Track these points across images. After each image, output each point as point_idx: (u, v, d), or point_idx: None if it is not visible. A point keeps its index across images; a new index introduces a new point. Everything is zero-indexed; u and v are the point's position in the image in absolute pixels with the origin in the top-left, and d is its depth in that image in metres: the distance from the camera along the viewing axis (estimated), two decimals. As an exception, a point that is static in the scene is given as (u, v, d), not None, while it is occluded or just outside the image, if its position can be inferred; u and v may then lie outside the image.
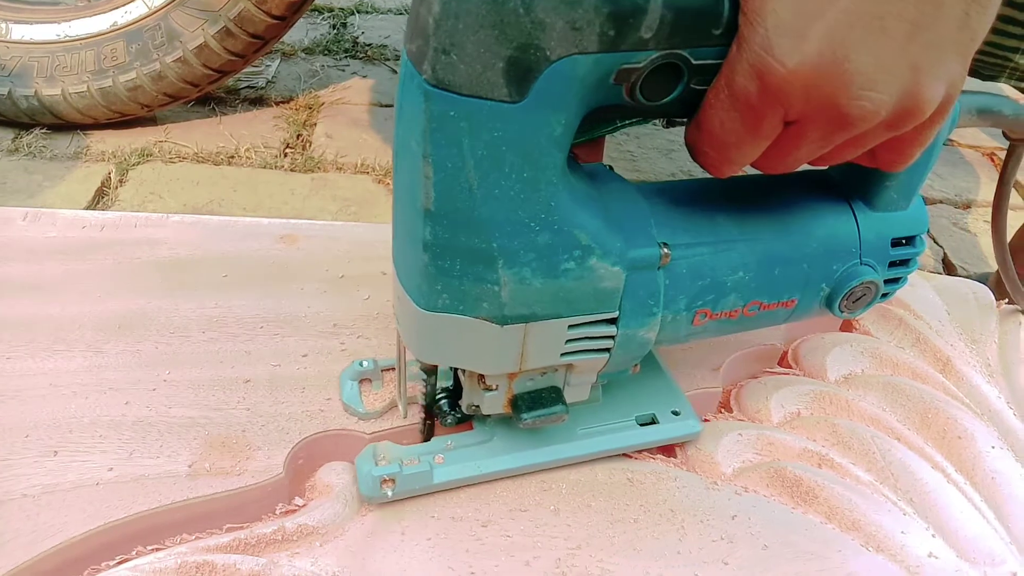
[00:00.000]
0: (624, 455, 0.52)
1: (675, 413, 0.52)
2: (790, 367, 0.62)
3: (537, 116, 0.33)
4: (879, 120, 0.34)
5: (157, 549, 0.44)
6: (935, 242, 1.14)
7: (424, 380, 0.47)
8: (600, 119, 0.39)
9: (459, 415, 0.50)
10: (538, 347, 0.41)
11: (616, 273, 0.40)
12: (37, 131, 1.16)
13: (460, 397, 0.48)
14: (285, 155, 1.17)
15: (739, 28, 0.34)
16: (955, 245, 1.14)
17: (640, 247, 0.41)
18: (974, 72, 0.70)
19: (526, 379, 0.45)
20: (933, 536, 0.49)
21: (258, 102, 1.31)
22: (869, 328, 0.65)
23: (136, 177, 1.10)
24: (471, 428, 0.51)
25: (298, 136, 1.22)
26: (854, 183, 0.48)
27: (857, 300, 0.48)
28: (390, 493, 0.46)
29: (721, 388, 0.57)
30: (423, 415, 0.50)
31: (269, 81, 1.37)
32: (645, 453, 0.53)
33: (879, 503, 0.51)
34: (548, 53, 0.32)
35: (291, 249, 0.64)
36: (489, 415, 0.47)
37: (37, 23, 1.13)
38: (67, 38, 1.12)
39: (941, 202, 1.24)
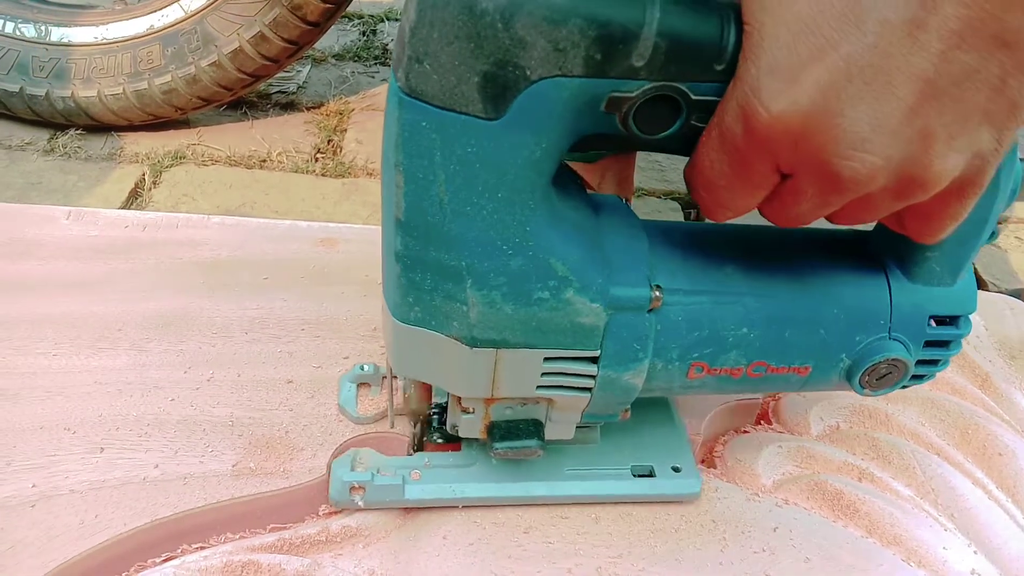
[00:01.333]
0: (664, 464, 0.52)
1: (675, 469, 0.49)
2: (828, 380, 0.61)
3: (515, 136, 0.32)
4: (877, 185, 0.31)
5: (201, 547, 0.45)
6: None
7: (417, 394, 0.47)
8: (597, 146, 0.37)
9: (445, 434, 0.49)
10: (510, 375, 0.40)
11: (595, 310, 0.38)
12: (72, 132, 1.17)
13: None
14: (316, 160, 1.18)
15: (738, 63, 0.31)
16: (986, 261, 1.14)
17: (628, 286, 0.38)
18: None
19: (504, 407, 0.43)
20: (975, 553, 0.49)
21: (289, 107, 1.32)
22: (907, 342, 0.65)
23: (169, 179, 1.11)
24: (459, 449, 0.49)
25: (329, 141, 1.23)
26: (892, 249, 0.43)
27: (881, 378, 0.44)
28: (359, 502, 0.45)
29: (760, 398, 0.57)
30: (413, 428, 0.49)
31: (300, 86, 1.38)
32: (685, 463, 0.53)
33: (920, 518, 0.50)
34: (528, 72, 0.30)
35: (331, 252, 0.64)
36: (476, 439, 0.46)
37: (75, 26, 1.14)
38: (104, 41, 1.14)
39: (972, 218, 1.23)
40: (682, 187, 1.20)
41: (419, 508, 0.47)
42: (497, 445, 0.43)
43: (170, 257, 0.62)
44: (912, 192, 0.31)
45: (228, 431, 0.49)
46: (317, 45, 1.47)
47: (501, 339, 0.38)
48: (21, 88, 1.13)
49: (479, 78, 0.30)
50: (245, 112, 1.28)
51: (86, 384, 0.51)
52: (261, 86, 1.25)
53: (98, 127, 1.18)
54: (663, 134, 0.35)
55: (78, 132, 1.17)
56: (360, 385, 0.52)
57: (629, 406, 0.45)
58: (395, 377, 0.50)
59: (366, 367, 0.53)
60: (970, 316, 0.44)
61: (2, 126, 1.18)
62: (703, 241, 0.42)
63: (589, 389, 0.41)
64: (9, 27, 1.14)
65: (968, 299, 0.44)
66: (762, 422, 0.57)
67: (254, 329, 0.56)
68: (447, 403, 0.47)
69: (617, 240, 0.39)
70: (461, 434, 0.45)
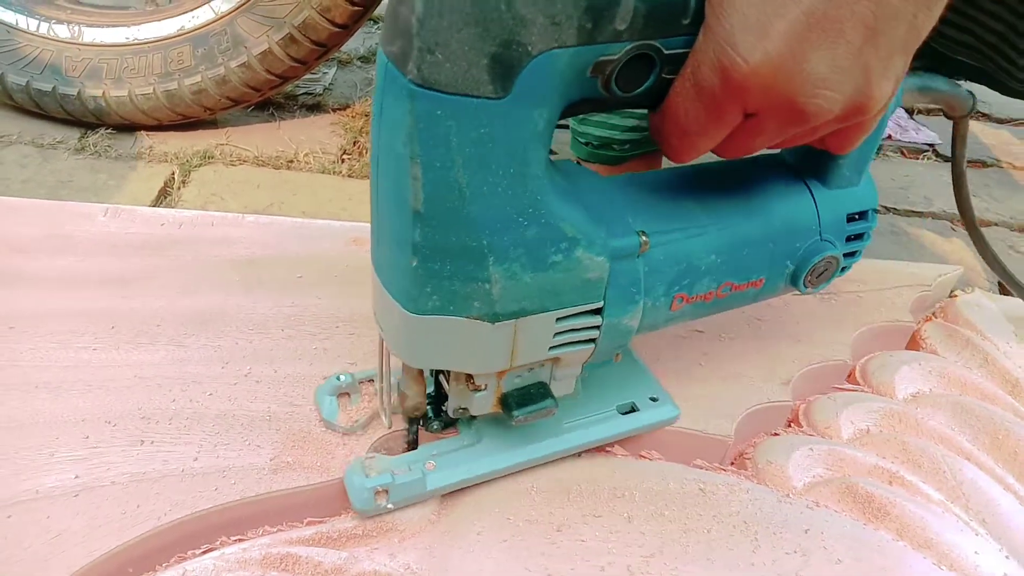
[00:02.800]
0: (695, 465, 0.52)
1: (653, 399, 0.53)
2: (857, 384, 0.61)
3: (521, 111, 0.33)
4: (832, 116, 0.36)
5: (240, 540, 0.45)
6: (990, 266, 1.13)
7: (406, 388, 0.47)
8: (577, 111, 0.39)
9: (444, 420, 0.49)
10: (528, 342, 0.41)
11: (601, 263, 0.40)
12: (102, 131, 1.19)
13: (443, 402, 0.48)
14: (343, 161, 1.19)
15: (706, 17, 0.35)
16: (1013, 268, 1.13)
17: (621, 236, 0.41)
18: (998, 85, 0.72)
19: (514, 376, 0.45)
20: (1007, 558, 0.49)
21: (315, 108, 1.33)
22: (937, 347, 0.65)
23: (198, 178, 1.12)
24: (456, 433, 0.50)
25: (355, 143, 1.23)
26: (808, 164, 0.50)
27: (820, 275, 0.50)
28: (387, 504, 0.46)
29: (792, 402, 0.57)
30: (408, 424, 0.49)
31: (326, 88, 1.39)
32: (716, 465, 0.53)
33: (951, 522, 0.51)
34: (530, 48, 0.32)
35: (362, 251, 0.65)
36: (474, 417, 0.48)
37: (107, 26, 1.16)
38: (135, 41, 1.15)
39: (997, 224, 1.23)
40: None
41: (452, 504, 0.48)
42: (516, 413, 0.44)
43: (206, 254, 0.63)
44: (855, 117, 0.37)
45: (266, 425, 0.49)
46: (343, 48, 1.48)
47: (520, 309, 0.39)
48: (54, 87, 1.15)
49: (488, 60, 0.32)
50: (272, 113, 1.30)
51: (126, 378, 0.52)
52: (288, 87, 1.26)
53: (127, 126, 1.19)
54: (638, 91, 0.37)
55: (108, 131, 1.19)
56: (340, 396, 0.51)
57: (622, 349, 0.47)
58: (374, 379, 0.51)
59: (342, 377, 0.51)
60: (875, 209, 0.51)
61: (34, 125, 1.20)
62: (660, 186, 0.46)
63: (594, 340, 0.43)
64: (43, 28, 1.15)
65: (872, 194, 0.51)
66: (792, 425, 0.58)
67: (290, 326, 0.57)
68: (435, 392, 0.49)
69: (597, 197, 0.43)
70: (474, 412, 0.46)
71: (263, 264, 0.63)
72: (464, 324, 0.39)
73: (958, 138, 0.56)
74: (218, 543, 0.45)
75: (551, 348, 0.42)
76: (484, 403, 0.45)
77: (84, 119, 1.18)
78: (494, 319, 0.39)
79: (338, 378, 0.51)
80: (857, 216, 0.50)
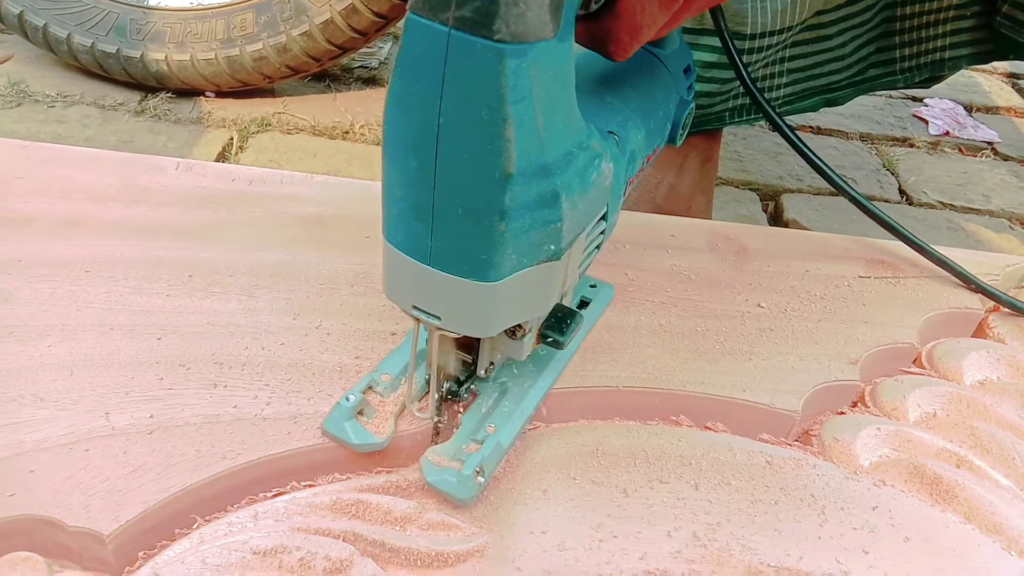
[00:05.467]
0: (760, 439, 0.52)
1: (592, 287, 0.58)
2: (924, 368, 0.61)
3: (566, 44, 0.34)
4: None
5: (311, 485, 0.46)
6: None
7: (434, 374, 0.46)
8: None
9: (469, 385, 0.48)
10: (572, 267, 0.42)
11: (611, 169, 0.42)
12: (163, 95, 1.21)
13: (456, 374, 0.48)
14: (398, 133, 1.19)
15: None
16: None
17: (605, 138, 0.43)
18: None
19: None
20: (1077, 547, 0.48)
21: (371, 82, 1.34)
22: (1004, 336, 0.64)
23: (255, 145, 1.13)
24: (475, 397, 0.49)
25: (410, 116, 1.24)
26: None
27: (684, 127, 0.56)
28: (483, 480, 0.45)
29: (859, 382, 0.56)
30: (438, 407, 0.48)
31: (381, 62, 1.40)
32: (782, 440, 0.53)
33: (1020, 508, 0.50)
34: None
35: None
36: (488, 374, 0.47)
37: (173, -9, 1.17)
38: (200, 6, 1.16)
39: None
40: (760, 178, 1.19)
41: (515, 464, 0.48)
42: (564, 339, 0.46)
43: (277, 211, 0.63)
44: None
45: (337, 375, 0.50)
46: (400, 22, 1.49)
47: (573, 237, 0.40)
48: (118, 50, 1.17)
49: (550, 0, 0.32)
50: (329, 84, 1.31)
51: (199, 324, 0.53)
52: (346, 59, 1.27)
53: (187, 91, 1.21)
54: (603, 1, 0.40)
55: (168, 95, 1.20)
56: (357, 417, 0.48)
57: None
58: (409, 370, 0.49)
59: (351, 397, 0.47)
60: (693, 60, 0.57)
61: (97, 86, 1.22)
62: (585, 88, 0.48)
63: (599, 244, 0.46)
64: (110, -10, 1.17)
65: (687, 49, 0.57)
66: (858, 405, 0.57)
67: (359, 283, 0.57)
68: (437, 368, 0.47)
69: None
70: (520, 358, 0.46)
71: (331, 223, 0.63)
72: (537, 271, 0.39)
73: None
74: (288, 488, 0.46)
75: (580, 264, 0.44)
76: (529, 345, 0.46)
77: (146, 82, 1.20)
78: (559, 255, 0.40)
79: (347, 399, 0.47)
80: (687, 69, 0.56)
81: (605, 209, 0.43)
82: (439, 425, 0.48)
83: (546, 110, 0.34)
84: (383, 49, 1.44)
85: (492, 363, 0.47)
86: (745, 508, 0.47)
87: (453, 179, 0.35)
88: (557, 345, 0.46)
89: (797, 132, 0.63)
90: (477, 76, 0.32)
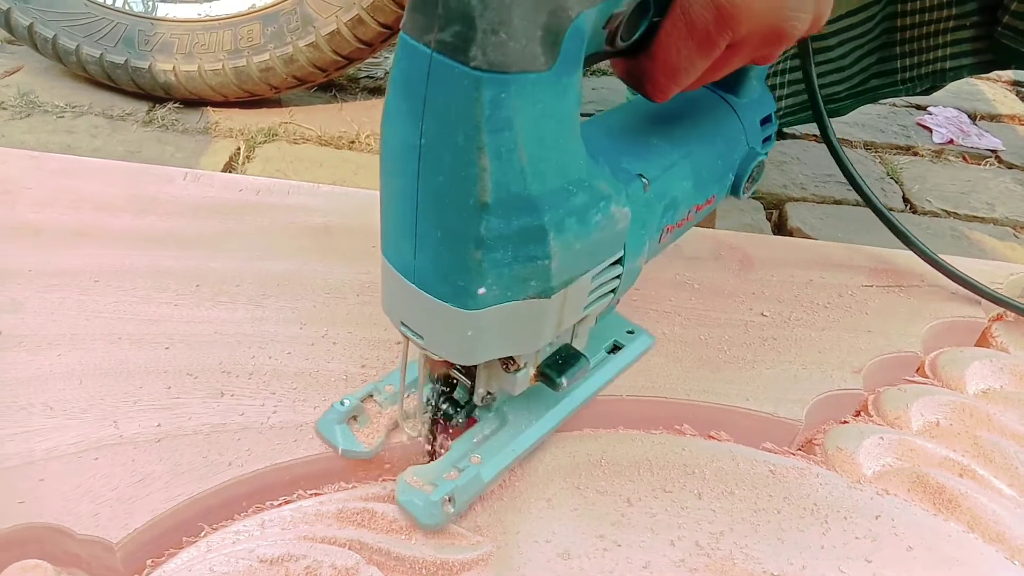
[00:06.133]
0: (764, 448, 0.52)
1: (630, 333, 0.55)
2: (927, 377, 0.61)
3: (564, 79, 0.33)
4: (801, 33, 0.39)
5: (316, 494, 0.46)
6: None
7: (426, 391, 0.46)
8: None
9: (467, 411, 0.47)
10: (570, 308, 0.41)
11: (626, 213, 0.40)
12: (170, 105, 1.22)
13: (452, 396, 0.47)
14: (403, 143, 1.20)
15: None
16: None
17: (628, 182, 0.42)
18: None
19: (546, 347, 0.45)
20: (1081, 556, 0.48)
21: (376, 92, 1.35)
22: (1008, 345, 0.64)
23: (262, 155, 1.14)
24: (475, 422, 0.48)
25: (415, 126, 1.25)
26: (723, 80, 0.49)
27: (752, 180, 0.53)
28: (452, 511, 0.44)
29: (863, 390, 0.56)
30: (429, 426, 0.47)
31: (387, 72, 1.41)
32: (785, 449, 0.53)
33: (1023, 517, 0.50)
34: (570, 12, 0.32)
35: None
36: (492, 402, 0.46)
37: (181, 2, 1.18)
38: (207, 17, 1.17)
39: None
40: (764, 186, 1.20)
41: (518, 474, 0.48)
42: (561, 380, 0.44)
43: (284, 221, 0.64)
44: (814, 30, 0.41)
45: (343, 384, 0.50)
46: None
47: (570, 277, 0.39)
48: (126, 60, 1.18)
49: (541, 31, 0.31)
50: (335, 94, 1.32)
51: (207, 333, 0.53)
52: (352, 70, 1.28)
53: (194, 101, 1.22)
54: (632, 39, 0.38)
55: (175, 105, 1.21)
56: (349, 422, 0.48)
57: None
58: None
59: (346, 402, 0.48)
60: (775, 110, 0.55)
61: (105, 96, 1.23)
62: (627, 126, 0.48)
63: (614, 289, 0.44)
64: (119, 2, 1.18)
65: (770, 97, 0.54)
66: (861, 414, 0.57)
67: (365, 292, 0.58)
68: (441, 389, 0.47)
69: (596, 147, 0.42)
70: (514, 392, 0.45)
71: (338, 233, 0.64)
72: (522, 307, 0.38)
73: None
74: (295, 496, 0.46)
75: (585, 307, 0.43)
76: (524, 381, 0.44)
77: (153, 93, 1.21)
78: (549, 293, 0.38)
79: (342, 403, 0.48)
80: (766, 120, 0.54)
81: (620, 254, 0.42)
82: (431, 444, 0.48)
83: (532, 144, 0.33)
84: (389, 59, 1.45)
85: (491, 393, 0.45)
86: (748, 517, 0.47)
87: (432, 201, 0.35)
88: (552, 386, 0.44)
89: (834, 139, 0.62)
90: (454, 101, 0.32)
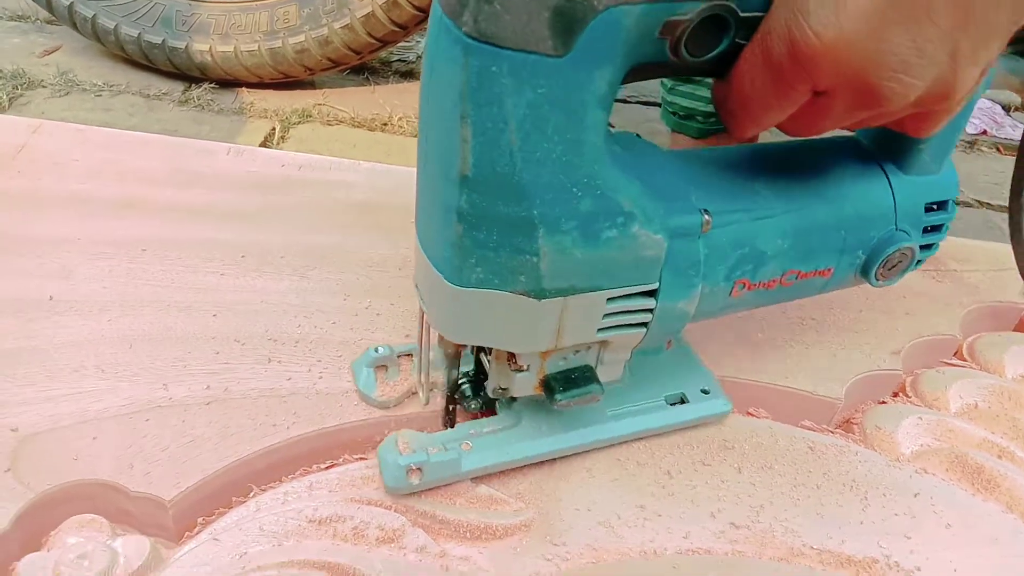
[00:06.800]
0: (802, 426, 0.53)
1: (704, 392, 0.50)
2: (964, 360, 0.61)
3: (582, 72, 0.31)
4: (908, 102, 0.33)
5: (362, 459, 0.47)
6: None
7: (446, 365, 0.45)
8: (641, 76, 0.36)
9: (483, 400, 0.47)
10: (576, 323, 0.39)
11: (658, 241, 0.38)
12: (206, 85, 1.23)
13: (482, 380, 0.46)
14: (436, 126, 1.20)
15: None
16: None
17: (681, 213, 0.39)
18: None
19: (558, 358, 0.43)
20: (1120, 538, 0.48)
21: (408, 75, 1.36)
22: (1047, 332, 0.64)
23: (296, 135, 1.15)
24: (494, 413, 0.48)
25: (447, 110, 1.25)
26: (886, 147, 0.46)
27: (892, 268, 0.47)
28: (416, 482, 0.43)
29: (901, 372, 0.57)
30: (445, 402, 0.47)
31: (419, 56, 1.41)
32: (824, 427, 0.53)
33: (1063, 500, 0.50)
34: (595, 3, 0.29)
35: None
36: (515, 399, 0.45)
37: (218, -17, 1.19)
38: (244, -1, 1.18)
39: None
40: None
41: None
42: (558, 397, 0.42)
43: (326, 196, 0.65)
44: (934, 104, 0.34)
45: (387, 354, 0.51)
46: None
47: (569, 286, 0.37)
48: (164, 40, 1.19)
49: (549, 13, 0.29)
50: (367, 77, 1.32)
51: (253, 302, 0.54)
52: (385, 53, 1.29)
53: (230, 82, 1.23)
54: (708, 56, 0.35)
55: (211, 85, 1.23)
56: (377, 368, 0.49)
57: (675, 336, 0.45)
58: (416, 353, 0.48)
59: (380, 348, 0.49)
60: (956, 199, 0.48)
61: (142, 76, 1.24)
62: (728, 164, 0.44)
63: (646, 324, 0.41)
64: (158, -18, 1.19)
65: (953, 184, 0.48)
66: (899, 395, 0.57)
67: (407, 266, 0.58)
68: (475, 370, 0.47)
69: (658, 171, 0.40)
70: (514, 394, 0.44)
71: (379, 208, 0.64)
72: (509, 299, 0.37)
73: None
74: (341, 460, 0.47)
75: (600, 330, 0.40)
76: (525, 384, 0.43)
77: (189, 73, 1.22)
78: (541, 295, 0.37)
79: (376, 349, 0.49)
80: (936, 206, 0.47)
81: (653, 286, 0.39)
82: (448, 420, 0.47)
83: (527, 129, 0.32)
84: (421, 43, 1.45)
85: (503, 388, 0.44)
86: (787, 492, 0.48)
87: (429, 167, 0.35)
88: (550, 399, 0.42)
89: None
90: (447, 65, 0.31)
